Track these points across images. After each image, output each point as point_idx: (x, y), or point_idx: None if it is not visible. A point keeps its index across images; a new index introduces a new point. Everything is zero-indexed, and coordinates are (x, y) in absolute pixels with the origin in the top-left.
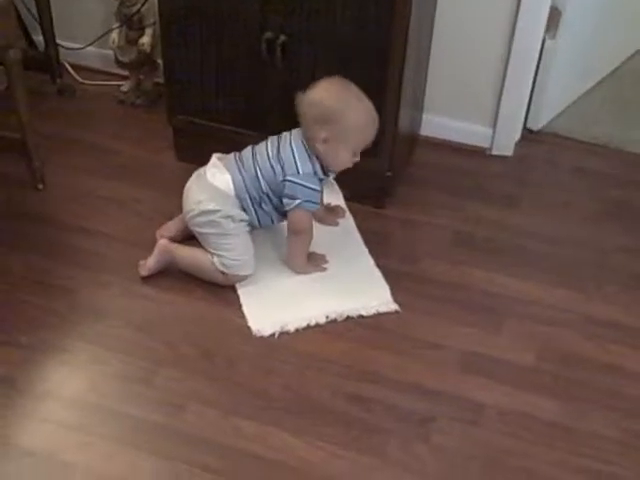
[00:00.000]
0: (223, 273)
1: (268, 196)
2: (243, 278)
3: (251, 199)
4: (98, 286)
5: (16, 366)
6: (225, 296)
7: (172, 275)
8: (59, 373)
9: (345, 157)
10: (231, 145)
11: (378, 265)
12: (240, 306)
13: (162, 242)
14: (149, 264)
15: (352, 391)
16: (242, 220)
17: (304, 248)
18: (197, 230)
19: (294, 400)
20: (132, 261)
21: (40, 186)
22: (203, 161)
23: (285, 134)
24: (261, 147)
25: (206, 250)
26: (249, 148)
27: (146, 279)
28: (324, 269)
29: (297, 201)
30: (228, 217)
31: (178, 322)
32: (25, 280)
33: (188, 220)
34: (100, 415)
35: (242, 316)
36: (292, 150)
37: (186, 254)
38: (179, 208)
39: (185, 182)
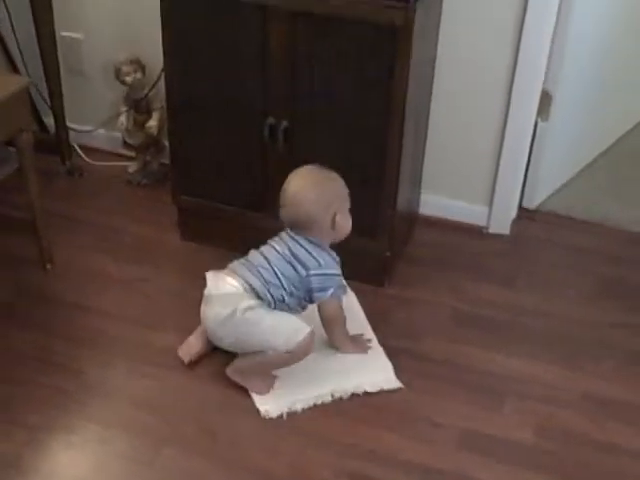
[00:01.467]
0: (288, 352)
1: (292, 294)
2: (310, 340)
3: (273, 297)
4: (105, 366)
5: (22, 445)
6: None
7: (176, 354)
8: (65, 453)
9: (349, 219)
10: (234, 225)
11: (380, 342)
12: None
13: (229, 372)
14: (230, 372)
15: (354, 470)
16: (262, 302)
17: (345, 331)
18: (234, 341)
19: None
20: (138, 340)
21: (48, 266)
22: (206, 240)
23: (285, 237)
24: (268, 250)
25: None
26: (255, 253)
27: (153, 359)
28: (366, 351)
29: (330, 291)
30: (248, 309)
31: (182, 401)
32: (33, 359)
33: (215, 336)
34: None
35: (246, 395)
36: (305, 249)
37: (250, 364)
38: (183, 287)
39: (188, 260)
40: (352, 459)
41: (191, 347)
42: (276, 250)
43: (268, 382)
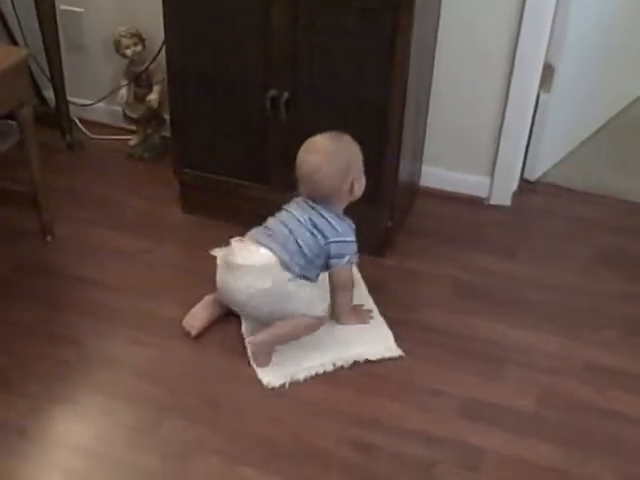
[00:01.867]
0: (318, 318)
1: (312, 262)
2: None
3: (298, 266)
4: (106, 336)
5: (25, 415)
6: (232, 346)
7: (179, 326)
8: (67, 423)
9: (364, 179)
10: (236, 198)
11: (381, 313)
12: (247, 356)
13: (259, 339)
14: (256, 341)
15: (356, 438)
16: (295, 273)
17: (350, 300)
18: (267, 312)
19: (299, 448)
20: (140, 311)
21: (49, 238)
22: (208, 213)
23: (304, 205)
24: (289, 218)
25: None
26: (275, 221)
27: (154, 330)
28: (367, 322)
29: (346, 258)
30: (290, 280)
31: (185, 372)
32: (34, 331)
33: (245, 308)
34: (107, 464)
35: (248, 366)
36: (325, 217)
37: (284, 331)
38: (185, 259)
39: (190, 233)
40: (354, 427)
41: (197, 319)
42: (297, 219)
43: (271, 355)
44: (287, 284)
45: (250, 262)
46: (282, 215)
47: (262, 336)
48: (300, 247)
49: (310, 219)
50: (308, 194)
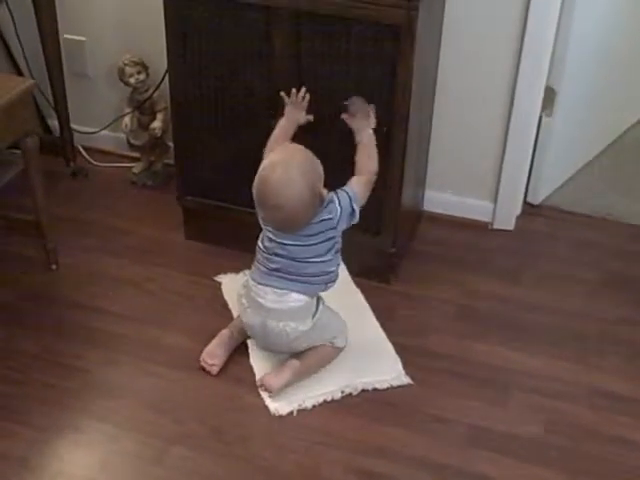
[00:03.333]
0: (340, 348)
1: (338, 251)
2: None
3: (326, 285)
4: (111, 365)
5: (30, 445)
6: (237, 374)
7: (183, 353)
8: (72, 452)
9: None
10: (239, 225)
11: (388, 339)
12: (253, 383)
13: (296, 365)
14: (278, 384)
15: (362, 466)
16: (320, 300)
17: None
18: (304, 346)
19: (306, 477)
20: (144, 339)
21: (54, 267)
22: (212, 240)
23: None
24: (292, 249)
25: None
26: (280, 260)
27: (159, 358)
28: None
29: (355, 210)
30: (315, 316)
31: (190, 400)
32: (39, 360)
33: (282, 348)
34: None
35: (255, 393)
36: (317, 221)
37: (315, 360)
38: (189, 286)
39: (194, 260)
40: (361, 456)
41: (216, 356)
42: (298, 245)
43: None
44: (321, 318)
45: (285, 306)
46: (277, 248)
47: (285, 377)
48: (308, 267)
49: (307, 235)
50: (286, 231)
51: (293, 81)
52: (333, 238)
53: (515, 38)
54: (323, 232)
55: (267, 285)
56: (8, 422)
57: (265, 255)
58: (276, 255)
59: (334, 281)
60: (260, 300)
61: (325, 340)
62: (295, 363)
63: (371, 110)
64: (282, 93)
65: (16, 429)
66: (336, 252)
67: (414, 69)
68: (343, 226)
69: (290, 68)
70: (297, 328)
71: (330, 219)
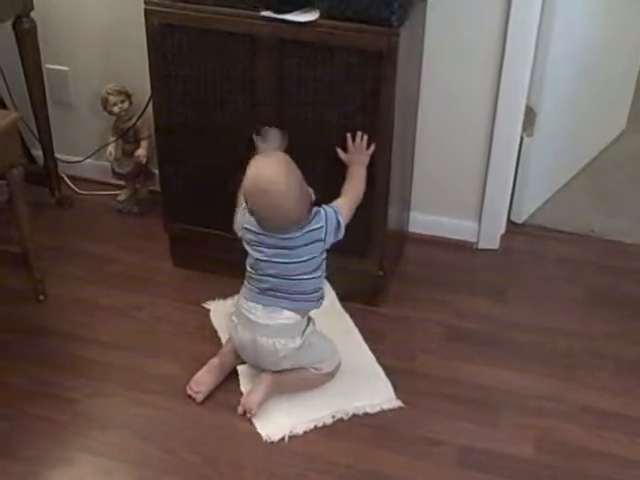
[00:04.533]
0: (328, 374)
1: (320, 266)
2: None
3: (319, 299)
4: (101, 395)
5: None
6: (227, 401)
7: (173, 381)
8: None
9: None
10: (226, 251)
11: (377, 362)
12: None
13: (268, 378)
14: (255, 402)
15: None
16: (311, 319)
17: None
18: (291, 365)
19: None
20: (134, 368)
21: (41, 297)
22: (199, 266)
23: (274, 246)
24: (283, 267)
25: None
26: (271, 279)
27: (149, 387)
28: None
29: (340, 227)
30: (311, 333)
31: (181, 429)
32: (28, 392)
33: (271, 367)
34: None
35: (246, 420)
36: (303, 232)
37: (293, 379)
38: (177, 313)
39: (182, 287)
40: None
41: (203, 384)
42: (289, 263)
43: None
44: (310, 337)
45: (276, 322)
46: (268, 268)
47: (260, 393)
48: (301, 282)
49: (297, 248)
50: (279, 228)
51: (277, 106)
52: (322, 254)
53: (495, 60)
54: (313, 244)
55: (258, 303)
56: None
57: (256, 277)
58: (267, 275)
59: (324, 298)
60: (251, 316)
61: (312, 362)
62: (267, 377)
63: (369, 148)
64: (254, 135)
65: (6, 464)
66: (323, 270)
67: (396, 94)
68: (331, 239)
69: (274, 94)
70: (286, 345)
71: (320, 228)
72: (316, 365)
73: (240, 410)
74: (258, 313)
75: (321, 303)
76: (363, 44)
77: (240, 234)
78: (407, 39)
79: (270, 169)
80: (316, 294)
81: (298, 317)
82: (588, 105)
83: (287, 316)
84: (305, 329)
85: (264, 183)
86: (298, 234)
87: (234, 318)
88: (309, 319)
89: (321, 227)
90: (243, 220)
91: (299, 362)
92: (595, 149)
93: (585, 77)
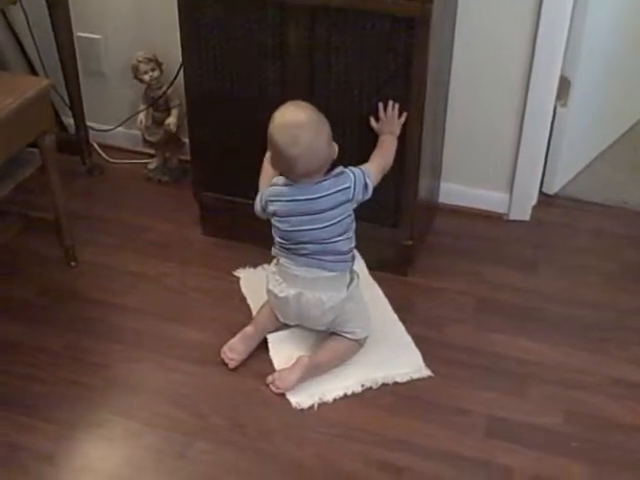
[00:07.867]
0: (359, 341)
1: (351, 226)
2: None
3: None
4: (132, 361)
5: (53, 441)
6: (259, 368)
7: (203, 348)
8: (94, 448)
9: None
10: (256, 219)
11: (407, 331)
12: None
13: (305, 360)
14: (291, 382)
15: (383, 459)
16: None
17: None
18: (336, 319)
19: (326, 470)
20: (164, 334)
21: (73, 264)
22: (228, 235)
23: (301, 213)
24: (312, 234)
25: (338, 335)
26: (307, 246)
27: (179, 353)
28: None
29: (368, 185)
30: (350, 285)
31: (211, 394)
32: (60, 357)
33: (314, 321)
34: None
35: None
36: (330, 194)
37: (328, 356)
38: (207, 281)
39: (212, 255)
40: (382, 449)
41: (237, 352)
42: (318, 228)
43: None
44: (354, 291)
45: (321, 275)
46: (299, 237)
47: (295, 375)
48: (336, 238)
49: (322, 211)
50: (304, 171)
51: (308, 74)
52: (350, 215)
53: (529, 28)
54: (340, 206)
55: (300, 265)
56: (33, 419)
57: (291, 247)
58: (301, 243)
59: (355, 257)
60: (296, 272)
61: (352, 319)
62: (303, 359)
63: (400, 118)
64: None
65: (41, 425)
66: (353, 230)
67: (429, 61)
68: (359, 198)
69: (305, 62)
70: (333, 296)
71: (347, 188)
72: (353, 328)
73: (274, 388)
74: (302, 269)
75: (354, 262)
76: (395, 10)
77: (264, 212)
78: (441, 5)
79: (302, 110)
80: (351, 254)
81: (339, 273)
82: (623, 75)
83: (330, 271)
84: (350, 283)
85: (297, 122)
86: (324, 193)
87: (277, 277)
88: (352, 273)
89: (348, 187)
90: (267, 193)
91: (345, 315)
92: (630, 120)
93: (621, 46)
